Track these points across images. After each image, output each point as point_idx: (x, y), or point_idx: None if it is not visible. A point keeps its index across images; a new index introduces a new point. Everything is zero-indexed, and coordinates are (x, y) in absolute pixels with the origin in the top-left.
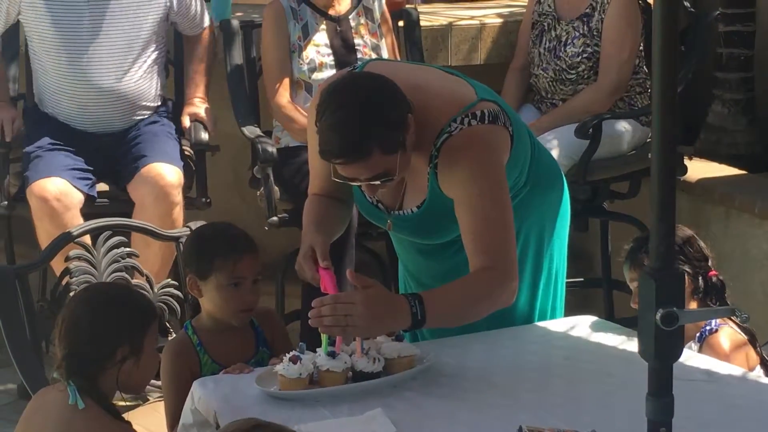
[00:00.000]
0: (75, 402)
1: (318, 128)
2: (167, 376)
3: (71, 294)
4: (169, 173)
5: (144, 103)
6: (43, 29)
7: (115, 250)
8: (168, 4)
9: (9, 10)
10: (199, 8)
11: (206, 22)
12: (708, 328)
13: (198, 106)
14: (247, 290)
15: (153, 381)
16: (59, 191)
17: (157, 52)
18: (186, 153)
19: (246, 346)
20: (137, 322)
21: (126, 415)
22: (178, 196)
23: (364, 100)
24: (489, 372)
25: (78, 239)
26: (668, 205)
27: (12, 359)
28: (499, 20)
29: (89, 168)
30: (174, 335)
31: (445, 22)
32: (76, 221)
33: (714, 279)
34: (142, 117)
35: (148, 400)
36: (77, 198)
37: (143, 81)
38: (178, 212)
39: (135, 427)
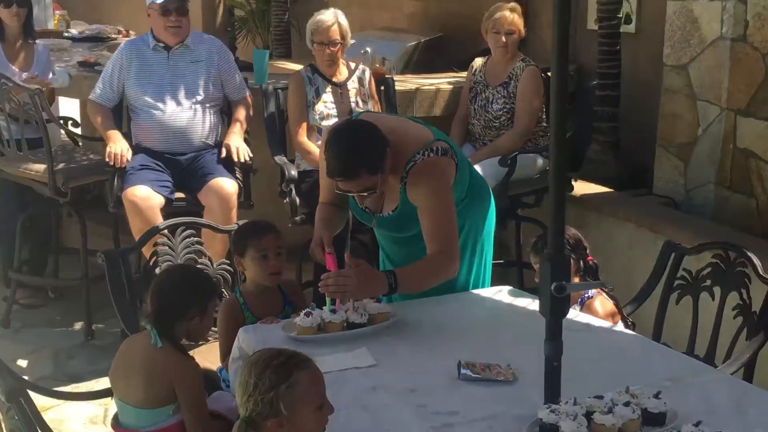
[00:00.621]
0: (155, 342)
1: (325, 157)
2: (222, 325)
3: (157, 269)
4: (228, 185)
5: (207, 139)
6: (137, 88)
7: (188, 239)
8: (218, 76)
9: (119, 79)
10: (239, 82)
11: (246, 92)
12: (586, 295)
13: (235, 138)
14: (273, 259)
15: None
16: (144, 195)
17: (215, 104)
18: (237, 177)
19: (276, 305)
20: (205, 294)
21: (192, 352)
22: (235, 202)
23: (357, 139)
24: (440, 325)
25: (162, 231)
26: (560, 212)
27: (117, 312)
28: (449, 86)
29: (169, 180)
30: (227, 296)
31: (413, 87)
32: (157, 218)
33: (591, 262)
34: (205, 149)
35: (208, 340)
36: (158, 200)
37: (206, 123)
38: (234, 213)
39: (198, 359)
